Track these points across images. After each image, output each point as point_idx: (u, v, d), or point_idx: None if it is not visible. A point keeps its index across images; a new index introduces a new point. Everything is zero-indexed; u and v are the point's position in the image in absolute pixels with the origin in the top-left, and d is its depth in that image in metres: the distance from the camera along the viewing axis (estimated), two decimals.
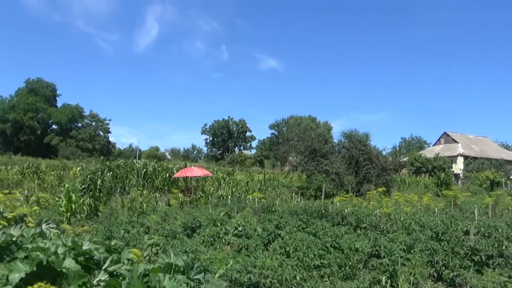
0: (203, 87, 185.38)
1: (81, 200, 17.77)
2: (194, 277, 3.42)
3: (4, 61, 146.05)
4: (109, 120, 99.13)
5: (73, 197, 17.34)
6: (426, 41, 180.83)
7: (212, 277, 3.71)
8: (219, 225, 14.47)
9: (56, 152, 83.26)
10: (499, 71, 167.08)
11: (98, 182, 18.60)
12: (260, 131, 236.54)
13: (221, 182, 31.98)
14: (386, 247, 10.99)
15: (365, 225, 15.49)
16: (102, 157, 52.01)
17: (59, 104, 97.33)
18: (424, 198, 27.60)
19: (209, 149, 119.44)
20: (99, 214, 16.99)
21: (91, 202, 17.85)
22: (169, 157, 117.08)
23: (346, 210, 16.28)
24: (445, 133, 78.79)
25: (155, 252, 9.67)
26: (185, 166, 33.35)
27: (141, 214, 17.45)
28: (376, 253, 10.87)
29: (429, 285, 9.62)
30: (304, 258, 9.66)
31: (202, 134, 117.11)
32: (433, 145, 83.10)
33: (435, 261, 10.20)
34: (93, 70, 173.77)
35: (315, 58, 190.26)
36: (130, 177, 27.38)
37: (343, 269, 9.97)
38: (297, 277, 8.47)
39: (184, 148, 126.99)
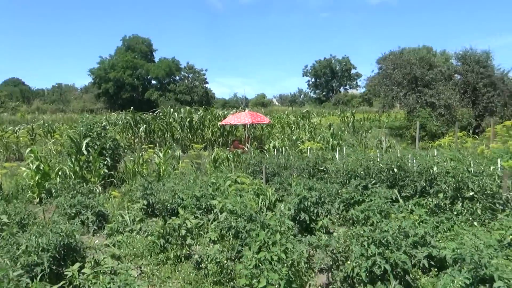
0: (310, 27, 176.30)
1: (56, 169, 13.03)
2: None
3: (104, 22, 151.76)
4: (205, 70, 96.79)
5: (43, 166, 12.62)
6: None
7: None
8: (202, 206, 8.63)
9: (157, 106, 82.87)
10: None
11: (84, 142, 13.60)
12: (370, 69, 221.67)
13: (293, 128, 25.63)
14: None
15: (471, 193, 8.54)
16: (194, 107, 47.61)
17: (156, 59, 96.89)
18: None
19: (312, 91, 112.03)
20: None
21: (70, 170, 13.01)
22: (276, 103, 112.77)
23: (434, 168, 9.25)
24: None
25: None
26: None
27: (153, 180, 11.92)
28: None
29: None
30: None
31: (303, 76, 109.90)
32: None
33: None
34: (199, 24, 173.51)
35: None
36: (173, 130, 22.33)
37: None
38: None
39: (290, 93, 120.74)
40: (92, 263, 6.23)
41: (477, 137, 22.17)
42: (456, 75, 29.66)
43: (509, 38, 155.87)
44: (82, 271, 5.99)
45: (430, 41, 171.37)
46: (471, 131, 23.97)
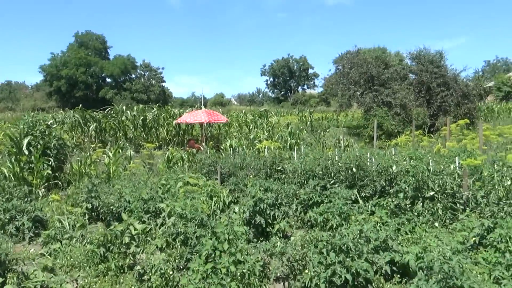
0: (267, 27, 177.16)
1: None
2: None
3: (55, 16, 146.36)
4: (162, 68, 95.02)
5: None
6: None
7: None
8: (150, 209, 7.97)
9: (112, 106, 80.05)
10: None
11: (25, 141, 12.62)
12: (327, 69, 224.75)
13: (251, 127, 25.14)
14: None
15: (431, 193, 8.26)
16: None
17: (111, 56, 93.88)
18: None
19: (271, 91, 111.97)
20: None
21: (9, 172, 11.98)
22: (235, 102, 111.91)
23: (393, 167, 8.96)
24: None
25: None
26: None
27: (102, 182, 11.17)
28: None
29: None
30: None
31: (261, 75, 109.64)
32: None
33: None
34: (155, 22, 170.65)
35: None
36: (126, 129, 21.39)
37: None
38: None
39: (249, 93, 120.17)
40: (15, 278, 5.45)
41: (432, 136, 22.34)
42: (410, 74, 30.04)
43: (458, 41, 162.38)
44: (4, 287, 5.23)
45: (385, 42, 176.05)
46: (426, 130, 24.21)
